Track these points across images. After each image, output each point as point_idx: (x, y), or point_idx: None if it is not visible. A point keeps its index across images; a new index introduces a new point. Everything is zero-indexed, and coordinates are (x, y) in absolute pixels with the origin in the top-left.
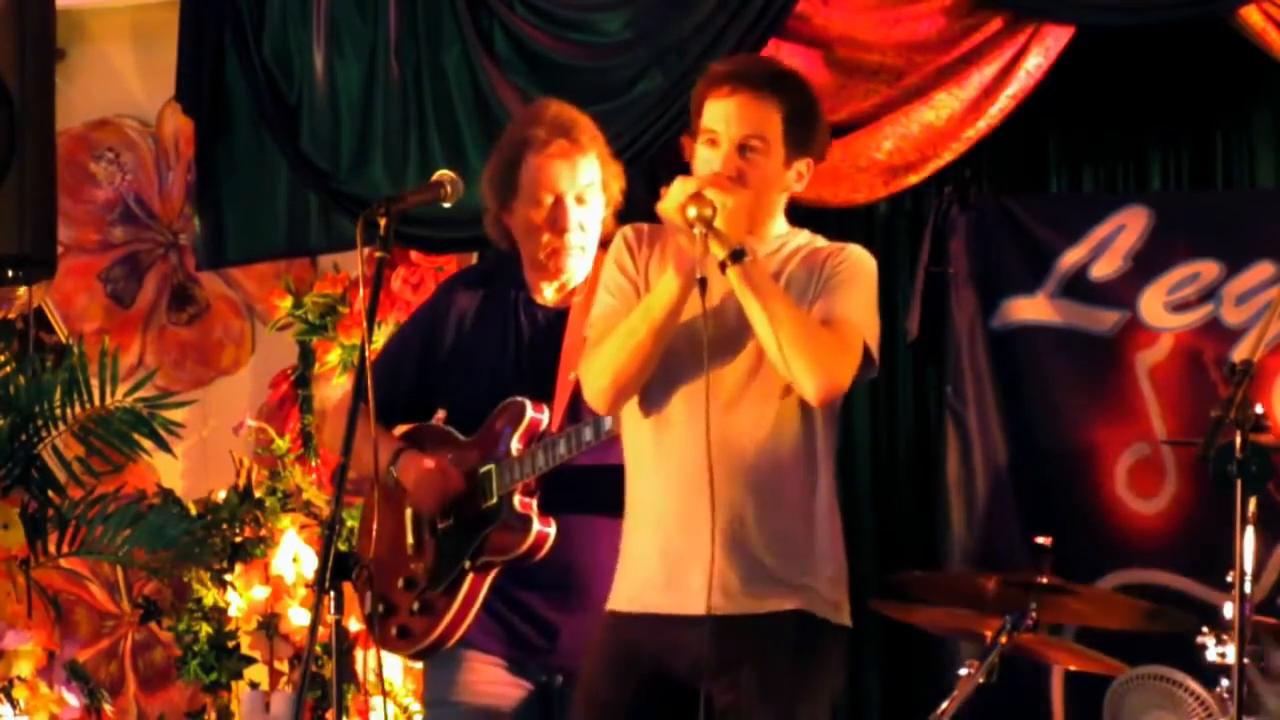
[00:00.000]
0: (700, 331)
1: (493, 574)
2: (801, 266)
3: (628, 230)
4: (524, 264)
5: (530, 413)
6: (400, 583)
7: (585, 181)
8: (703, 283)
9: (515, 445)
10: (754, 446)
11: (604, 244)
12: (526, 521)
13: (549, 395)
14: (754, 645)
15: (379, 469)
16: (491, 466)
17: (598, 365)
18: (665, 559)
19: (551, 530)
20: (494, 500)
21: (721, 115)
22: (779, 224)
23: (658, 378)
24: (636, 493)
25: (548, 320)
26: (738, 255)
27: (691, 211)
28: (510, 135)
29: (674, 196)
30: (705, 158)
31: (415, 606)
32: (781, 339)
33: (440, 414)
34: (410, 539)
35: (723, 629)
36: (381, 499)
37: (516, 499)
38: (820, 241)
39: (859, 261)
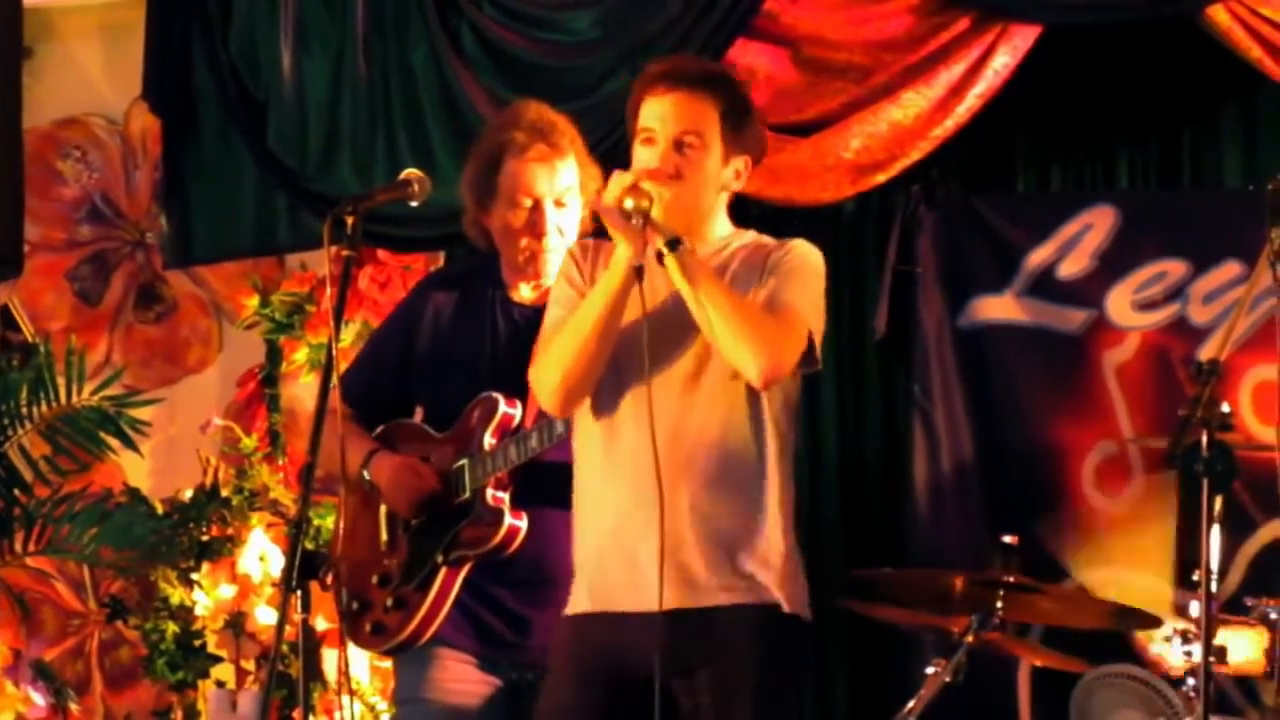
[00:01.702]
0: (651, 330)
1: (466, 569)
2: (746, 262)
3: (574, 246)
4: (503, 264)
5: (503, 408)
6: (375, 579)
7: (564, 185)
8: (639, 270)
9: (488, 440)
10: (705, 439)
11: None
12: (498, 515)
13: (525, 392)
14: (716, 641)
15: (354, 471)
16: (465, 462)
17: (547, 365)
18: (623, 559)
19: (523, 524)
20: (467, 495)
21: (658, 113)
22: (721, 225)
23: (607, 382)
24: (588, 495)
25: (525, 318)
26: (674, 244)
27: (629, 203)
28: (489, 138)
29: (611, 190)
30: (642, 157)
31: (389, 603)
32: (722, 323)
33: (419, 411)
34: (385, 535)
35: (684, 624)
36: (357, 497)
37: (489, 493)
38: (766, 239)
39: (804, 254)
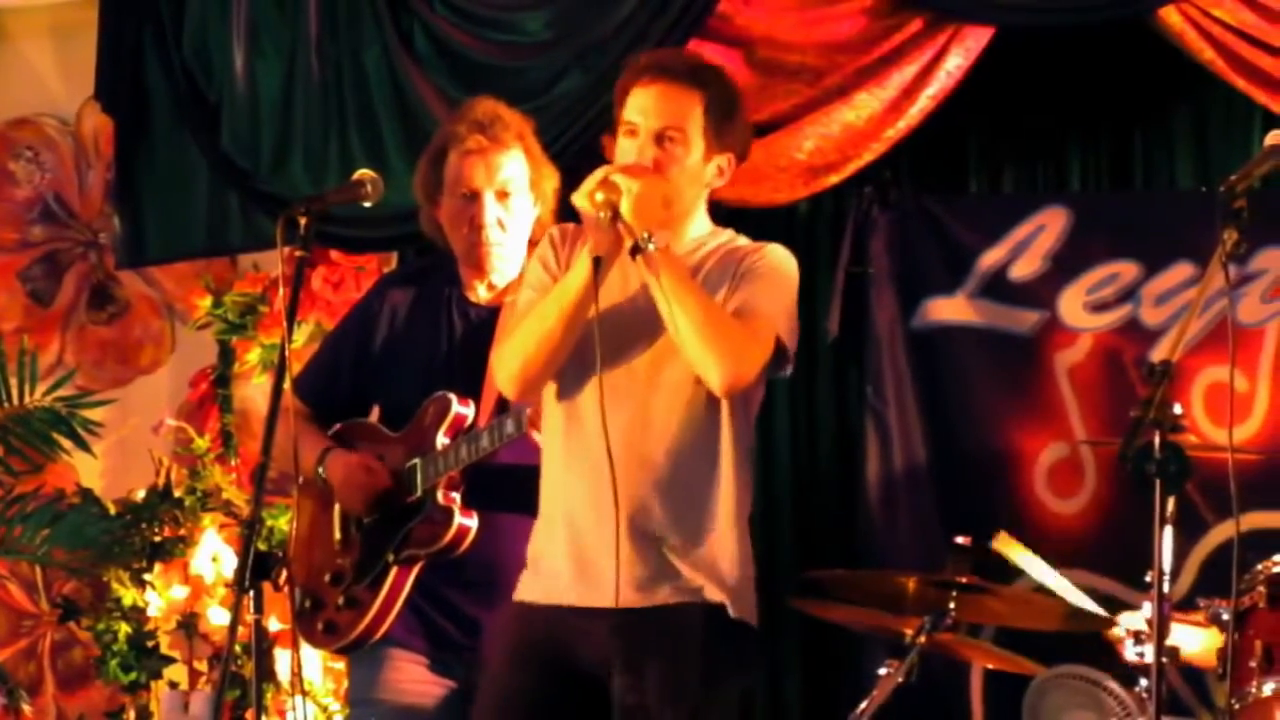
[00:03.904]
0: (617, 323)
1: (417, 568)
2: (719, 263)
3: (554, 229)
4: (459, 262)
5: (456, 407)
6: (328, 578)
7: (504, 176)
8: (597, 262)
9: (441, 439)
10: (663, 436)
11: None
12: (449, 514)
13: (478, 392)
14: (661, 640)
15: (309, 469)
16: (417, 461)
17: (509, 350)
18: (575, 551)
19: (473, 523)
20: (419, 494)
21: (640, 106)
22: (701, 223)
23: (572, 369)
24: (549, 483)
25: (480, 318)
26: (644, 241)
27: (599, 197)
28: (437, 134)
29: (586, 184)
30: (624, 149)
31: (341, 601)
32: (688, 326)
33: (375, 410)
34: (338, 534)
35: (630, 622)
36: (313, 496)
37: (440, 493)
38: (742, 240)
39: (777, 259)
